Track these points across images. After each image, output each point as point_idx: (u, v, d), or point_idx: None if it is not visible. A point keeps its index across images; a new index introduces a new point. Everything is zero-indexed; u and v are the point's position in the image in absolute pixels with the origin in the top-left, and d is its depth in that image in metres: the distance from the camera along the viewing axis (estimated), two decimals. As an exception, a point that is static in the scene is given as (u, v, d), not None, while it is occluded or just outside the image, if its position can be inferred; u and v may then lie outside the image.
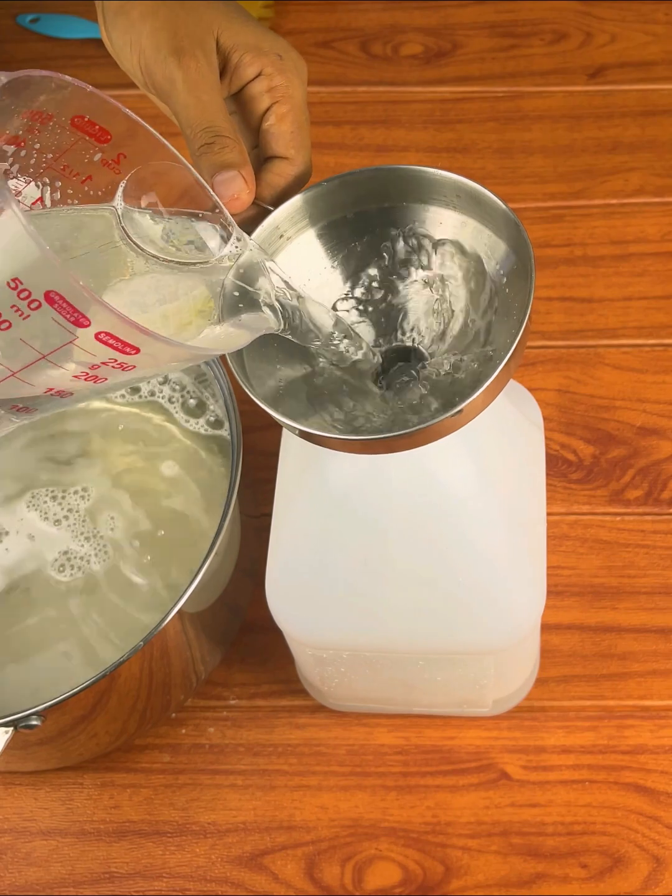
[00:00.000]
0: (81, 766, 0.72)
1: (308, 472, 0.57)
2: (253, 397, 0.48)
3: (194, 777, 0.72)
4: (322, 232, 0.52)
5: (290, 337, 0.48)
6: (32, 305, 0.39)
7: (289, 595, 0.60)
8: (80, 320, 0.39)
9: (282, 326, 0.47)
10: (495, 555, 0.57)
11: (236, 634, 0.74)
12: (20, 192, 0.45)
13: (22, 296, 0.39)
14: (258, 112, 0.52)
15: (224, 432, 0.74)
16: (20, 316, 0.40)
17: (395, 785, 0.71)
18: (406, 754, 0.72)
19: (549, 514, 0.63)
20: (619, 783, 0.71)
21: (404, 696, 0.70)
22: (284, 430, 0.62)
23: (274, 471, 0.62)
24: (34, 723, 0.60)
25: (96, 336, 0.40)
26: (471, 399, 0.45)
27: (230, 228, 0.48)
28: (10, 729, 0.60)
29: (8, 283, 0.39)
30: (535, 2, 0.99)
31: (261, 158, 0.53)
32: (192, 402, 0.76)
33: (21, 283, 0.39)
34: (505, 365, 0.46)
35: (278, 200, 0.51)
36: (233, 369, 0.48)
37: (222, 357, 0.50)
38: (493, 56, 0.97)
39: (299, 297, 0.48)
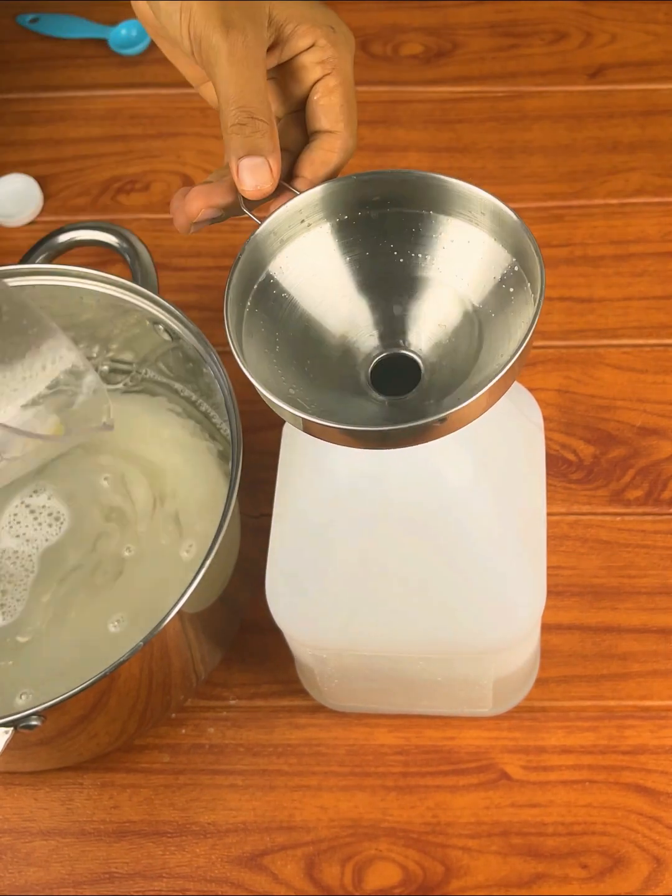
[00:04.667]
0: (81, 766, 0.72)
1: (308, 473, 0.57)
2: (255, 383, 0.47)
3: (194, 777, 0.72)
4: (341, 226, 0.51)
5: None
6: None
7: (289, 595, 0.60)
8: None
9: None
10: (495, 555, 0.57)
11: (236, 634, 0.74)
12: None
13: None
14: (307, 83, 0.52)
15: (224, 432, 0.74)
16: None
17: (395, 785, 0.71)
18: (406, 754, 0.72)
19: (549, 514, 0.63)
20: (620, 783, 0.71)
21: (404, 696, 0.70)
22: (284, 431, 0.62)
23: (274, 471, 0.62)
24: (34, 723, 0.60)
25: None
26: (469, 401, 0.45)
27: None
28: (10, 729, 0.60)
29: None
30: (535, 2, 0.99)
31: (306, 132, 0.53)
32: (190, 401, 0.76)
33: None
34: (508, 370, 0.45)
35: (331, 177, 0.51)
36: (236, 357, 0.48)
37: (223, 355, 0.50)
38: (493, 56, 0.97)
39: None
